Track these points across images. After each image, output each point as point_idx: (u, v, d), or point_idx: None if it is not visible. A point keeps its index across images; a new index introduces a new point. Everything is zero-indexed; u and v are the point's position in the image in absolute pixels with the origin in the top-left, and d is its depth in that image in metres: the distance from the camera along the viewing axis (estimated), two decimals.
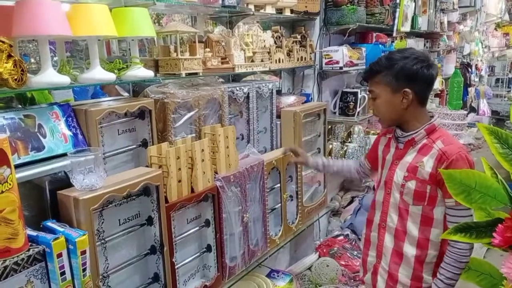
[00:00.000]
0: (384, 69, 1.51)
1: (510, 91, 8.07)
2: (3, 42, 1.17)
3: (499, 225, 1.14)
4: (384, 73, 1.51)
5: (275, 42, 2.29)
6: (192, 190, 1.64)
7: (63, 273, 1.11)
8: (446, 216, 1.49)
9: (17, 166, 1.16)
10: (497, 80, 8.58)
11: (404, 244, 1.56)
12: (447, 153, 1.45)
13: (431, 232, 1.52)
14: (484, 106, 6.98)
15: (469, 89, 6.39)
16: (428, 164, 1.48)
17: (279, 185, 2.19)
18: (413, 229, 1.54)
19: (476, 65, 6.83)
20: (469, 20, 5.97)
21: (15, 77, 1.18)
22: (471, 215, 1.41)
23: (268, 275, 2.41)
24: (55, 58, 1.50)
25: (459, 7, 5.17)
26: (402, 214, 1.56)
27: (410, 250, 1.55)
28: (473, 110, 6.66)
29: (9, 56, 1.17)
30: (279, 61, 2.29)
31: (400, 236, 1.57)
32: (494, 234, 1.16)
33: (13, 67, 1.18)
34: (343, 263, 2.78)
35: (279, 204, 2.21)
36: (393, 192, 1.58)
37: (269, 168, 2.04)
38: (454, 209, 1.45)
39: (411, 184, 1.51)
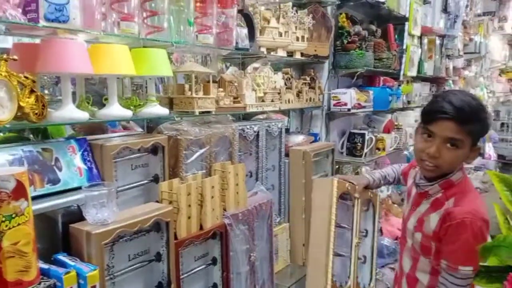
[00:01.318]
0: (476, 120, 1.31)
1: None
2: (26, 77, 1.22)
3: (511, 273, 1.13)
4: (475, 125, 1.31)
5: (285, 83, 2.35)
6: (201, 227, 1.64)
7: None
8: (439, 276, 1.37)
9: (33, 199, 1.18)
10: (502, 124, 8.62)
11: None
12: (451, 215, 1.33)
13: None
14: (490, 150, 6.98)
15: None
16: (433, 220, 1.38)
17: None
18: (423, 278, 1.46)
19: None
20: (474, 66, 6.09)
21: (36, 112, 1.23)
22: (460, 285, 1.32)
23: None
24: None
25: (465, 53, 5.29)
26: (413, 261, 1.49)
27: None
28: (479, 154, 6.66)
29: (32, 91, 1.22)
30: (289, 102, 2.34)
31: (412, 283, 1.50)
32: (504, 282, 1.15)
33: (35, 102, 1.22)
34: None
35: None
36: (407, 237, 1.52)
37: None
38: (445, 272, 1.34)
39: (418, 236, 1.44)
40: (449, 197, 1.38)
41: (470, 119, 1.30)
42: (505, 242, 1.14)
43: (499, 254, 1.18)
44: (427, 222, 1.40)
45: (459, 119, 1.29)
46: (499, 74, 7.97)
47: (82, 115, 1.31)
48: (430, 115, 1.36)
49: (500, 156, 7.39)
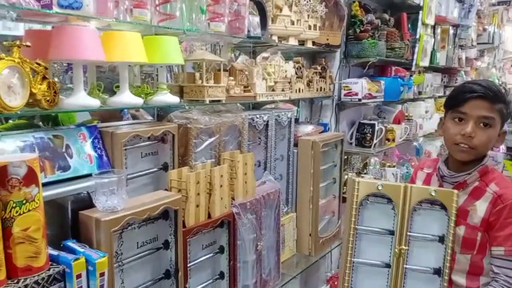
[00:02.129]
0: (503, 101, 1.37)
1: None
2: (39, 64, 1.22)
3: None
4: (502, 105, 1.36)
5: (296, 72, 2.33)
6: (209, 216, 1.65)
7: None
8: (492, 267, 1.34)
9: (43, 185, 1.18)
10: None
11: None
12: (503, 197, 1.33)
13: (480, 280, 1.38)
14: None
15: None
16: (481, 208, 1.36)
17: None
18: (459, 278, 1.41)
19: None
20: (487, 57, 5.99)
21: (48, 99, 1.23)
22: None
23: None
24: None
25: (478, 43, 5.20)
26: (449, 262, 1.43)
27: None
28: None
29: (44, 78, 1.22)
30: (299, 91, 2.32)
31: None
32: None
33: (47, 88, 1.22)
34: None
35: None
36: None
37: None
38: (502, 259, 1.31)
39: (460, 230, 1.38)
40: (488, 183, 1.39)
41: (499, 98, 1.36)
42: None
43: None
44: (473, 212, 1.37)
45: (489, 96, 1.34)
46: None
47: (94, 102, 1.31)
48: (459, 97, 1.39)
49: (509, 149, 7.31)
